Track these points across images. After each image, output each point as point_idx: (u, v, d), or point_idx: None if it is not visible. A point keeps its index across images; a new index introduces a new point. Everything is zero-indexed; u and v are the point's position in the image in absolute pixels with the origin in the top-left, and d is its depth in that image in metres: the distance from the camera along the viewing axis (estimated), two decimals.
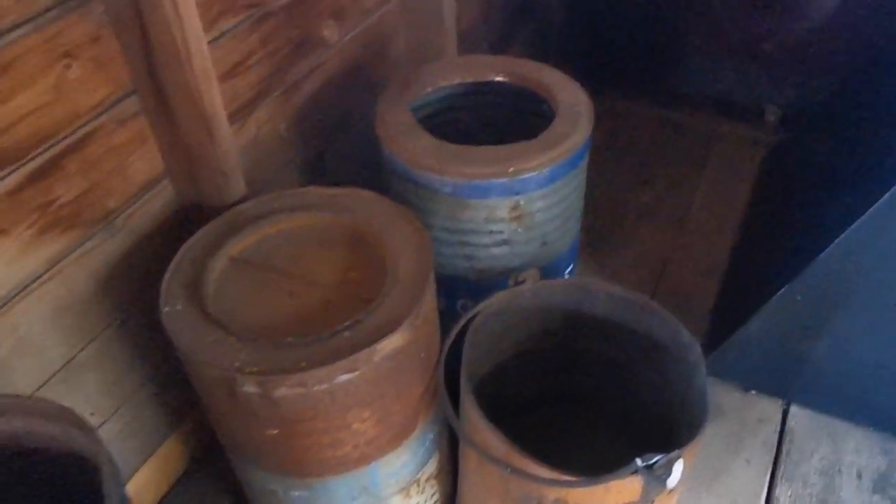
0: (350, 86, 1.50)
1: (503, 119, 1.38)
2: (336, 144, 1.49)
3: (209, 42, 1.12)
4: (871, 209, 1.31)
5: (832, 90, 2.00)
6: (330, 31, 1.40)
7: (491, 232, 1.21)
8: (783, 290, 1.37)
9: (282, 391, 0.88)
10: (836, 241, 1.30)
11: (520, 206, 1.18)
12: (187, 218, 1.15)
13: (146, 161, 1.07)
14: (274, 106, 1.31)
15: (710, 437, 1.44)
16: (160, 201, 1.11)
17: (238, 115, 1.23)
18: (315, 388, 0.88)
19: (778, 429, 1.46)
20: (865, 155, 1.68)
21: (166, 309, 0.95)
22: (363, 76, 1.54)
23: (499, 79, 1.36)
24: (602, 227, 1.93)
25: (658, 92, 2.30)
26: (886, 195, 1.29)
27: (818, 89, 2.04)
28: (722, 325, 1.60)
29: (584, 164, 1.26)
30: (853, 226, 1.30)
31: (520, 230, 1.21)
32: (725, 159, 2.16)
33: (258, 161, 1.31)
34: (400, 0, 1.60)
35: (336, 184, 1.16)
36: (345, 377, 0.89)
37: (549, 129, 1.20)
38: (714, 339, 1.55)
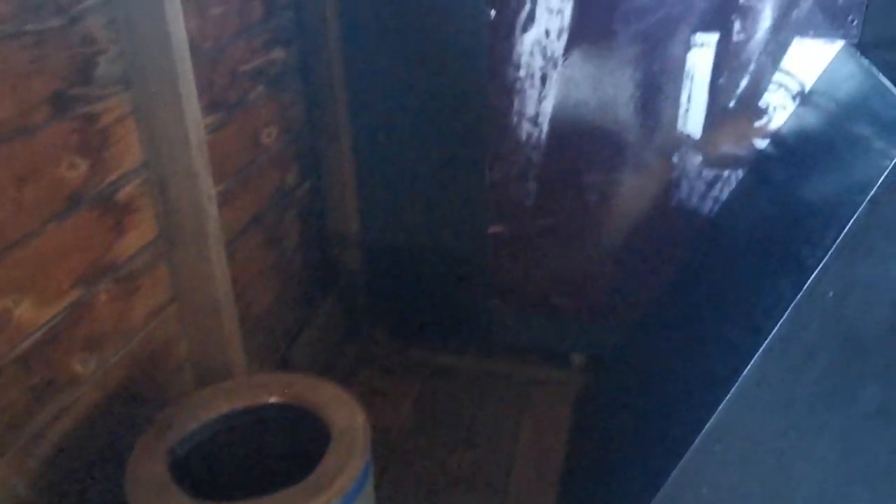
0: (116, 414, 1.37)
1: (279, 445, 1.30)
2: (100, 487, 1.34)
3: None
4: (673, 474, 1.31)
5: (624, 333, 2.09)
6: (84, 364, 1.30)
7: None
8: None
9: None
10: None
11: None
12: None
13: None
14: (8, 466, 1.15)
15: None
16: None
17: None
18: None
19: None
20: (659, 404, 1.73)
21: None
22: (135, 397, 1.43)
23: (272, 401, 1.29)
24: (424, 500, 1.84)
25: (470, 343, 2.33)
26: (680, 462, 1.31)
27: (612, 333, 2.13)
28: None
29: (366, 490, 1.18)
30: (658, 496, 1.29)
31: None
32: (541, 409, 2.16)
33: None
34: (175, 309, 1.54)
35: None
36: None
37: (321, 464, 1.13)
38: None
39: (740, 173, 1.84)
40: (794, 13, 1.69)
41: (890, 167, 1.20)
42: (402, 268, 2.23)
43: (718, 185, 1.87)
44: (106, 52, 1.28)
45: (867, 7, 1.66)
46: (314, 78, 2.01)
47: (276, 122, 1.88)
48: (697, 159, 1.86)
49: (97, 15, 1.25)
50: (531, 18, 1.81)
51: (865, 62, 1.54)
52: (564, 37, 1.81)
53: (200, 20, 1.54)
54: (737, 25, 1.73)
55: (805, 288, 1.33)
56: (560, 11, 1.79)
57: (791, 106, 1.76)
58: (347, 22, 1.96)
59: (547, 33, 1.82)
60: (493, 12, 1.83)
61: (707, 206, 1.91)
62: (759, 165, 1.81)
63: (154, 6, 1.28)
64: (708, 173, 1.87)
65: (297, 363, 2.09)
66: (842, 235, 1.28)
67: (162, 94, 1.34)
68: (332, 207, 2.18)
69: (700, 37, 1.75)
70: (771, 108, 1.77)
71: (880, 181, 1.21)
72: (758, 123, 1.79)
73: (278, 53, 1.88)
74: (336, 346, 2.31)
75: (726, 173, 1.86)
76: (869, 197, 1.23)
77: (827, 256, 1.30)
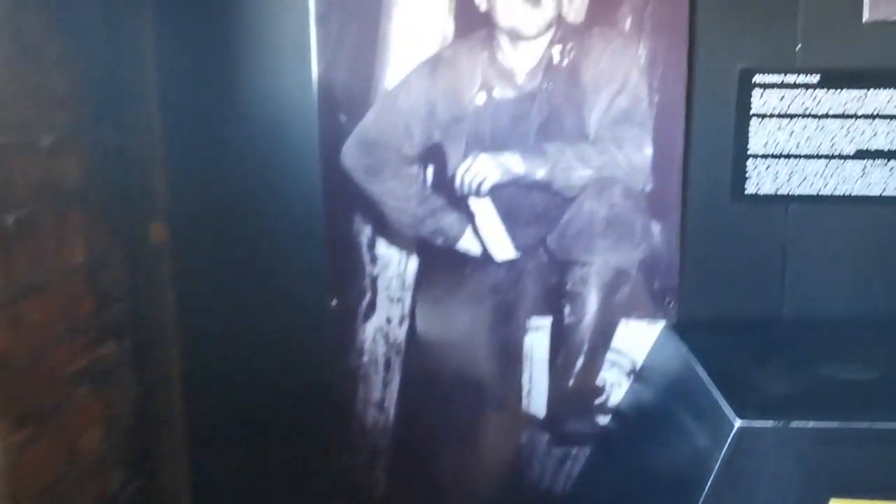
0: None
1: None
2: None
3: None
4: None
5: None
6: None
7: None
8: None
9: None
10: None
11: None
12: None
13: None
14: None
15: None
16: None
17: None
18: None
19: None
20: None
21: None
22: None
23: None
24: None
25: None
26: None
27: None
28: None
29: None
30: None
31: None
32: None
33: None
34: None
35: None
36: None
37: None
38: None
39: (587, 450, 1.85)
40: (617, 297, 1.81)
41: (715, 472, 1.22)
42: None
43: (568, 463, 1.87)
44: None
45: (680, 290, 1.79)
46: (148, 369, 1.91)
47: (100, 422, 1.74)
48: (545, 438, 1.86)
49: None
50: (372, 307, 1.84)
51: (683, 347, 1.63)
52: (406, 323, 1.84)
53: (13, 332, 1.44)
54: (567, 309, 1.82)
55: None
56: (400, 300, 1.83)
57: (626, 383, 1.82)
58: (185, 310, 1.92)
59: (388, 320, 1.84)
60: (334, 301, 1.84)
61: (560, 483, 1.88)
62: (604, 442, 1.82)
63: None
64: (557, 451, 1.87)
65: None
66: None
67: None
68: None
69: (535, 321, 1.83)
70: (608, 385, 1.83)
71: (708, 485, 1.23)
72: (597, 401, 1.84)
73: (108, 348, 1.79)
74: None
75: (574, 450, 1.86)
76: (701, 500, 1.24)
77: None
